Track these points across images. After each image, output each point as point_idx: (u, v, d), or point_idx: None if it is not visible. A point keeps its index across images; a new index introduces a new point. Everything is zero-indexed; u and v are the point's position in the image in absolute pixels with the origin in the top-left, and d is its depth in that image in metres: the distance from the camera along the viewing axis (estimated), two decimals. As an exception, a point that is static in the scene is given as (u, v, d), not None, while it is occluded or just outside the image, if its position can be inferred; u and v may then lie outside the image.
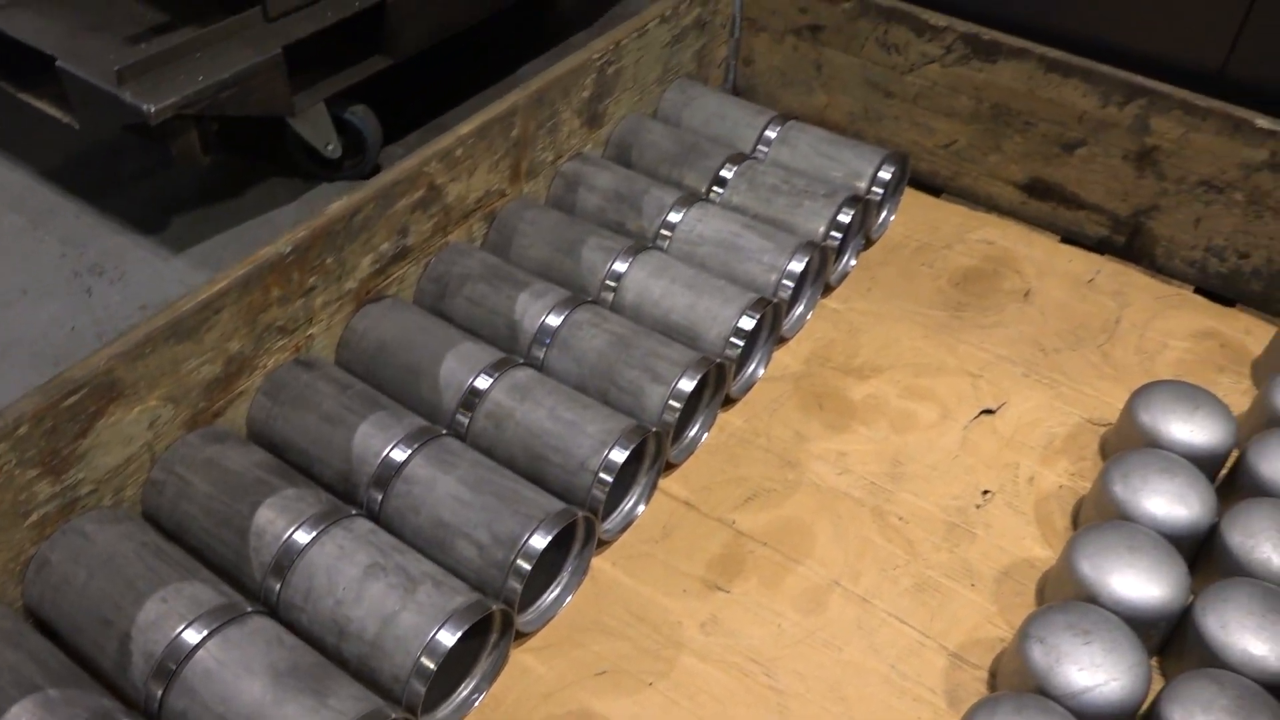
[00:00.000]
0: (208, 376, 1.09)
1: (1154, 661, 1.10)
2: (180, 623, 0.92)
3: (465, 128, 1.31)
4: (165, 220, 1.82)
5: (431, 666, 0.93)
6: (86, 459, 0.99)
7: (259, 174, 1.93)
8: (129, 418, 1.02)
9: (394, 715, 0.88)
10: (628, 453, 1.11)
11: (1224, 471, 1.27)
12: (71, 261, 1.73)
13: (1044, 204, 1.64)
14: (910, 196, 1.70)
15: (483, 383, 1.18)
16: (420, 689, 0.93)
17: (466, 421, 1.17)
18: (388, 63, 1.90)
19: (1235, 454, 1.26)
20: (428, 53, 1.99)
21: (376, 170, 1.97)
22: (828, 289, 1.52)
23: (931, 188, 1.73)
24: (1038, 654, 1.00)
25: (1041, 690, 0.99)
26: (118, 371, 0.98)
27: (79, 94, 1.62)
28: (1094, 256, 1.62)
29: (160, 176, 1.93)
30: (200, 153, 1.66)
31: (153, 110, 1.53)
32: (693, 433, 1.28)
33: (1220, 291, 1.56)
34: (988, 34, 1.57)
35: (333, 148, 1.87)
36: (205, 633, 0.91)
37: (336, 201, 1.18)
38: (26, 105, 1.72)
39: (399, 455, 1.09)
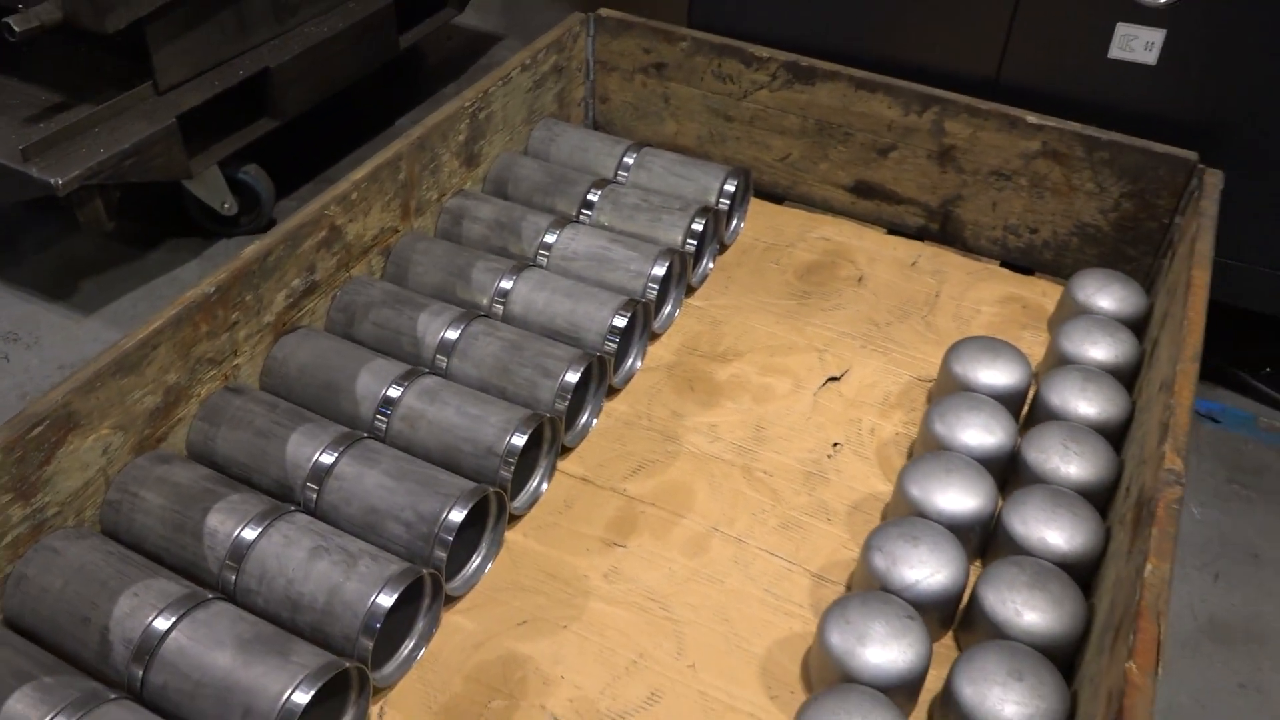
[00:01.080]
0: (150, 406, 1.23)
1: (978, 563, 1.34)
2: (152, 612, 1.06)
3: (358, 173, 1.49)
4: (73, 286, 1.93)
5: (376, 625, 1.09)
6: (51, 484, 1.13)
7: (160, 235, 2.06)
8: (85, 445, 1.16)
9: (347, 664, 1.05)
10: (526, 437, 1.30)
11: (1026, 408, 1.53)
12: (-14, 331, 1.83)
13: (869, 202, 1.90)
14: (756, 205, 1.94)
15: (395, 391, 1.35)
16: (368, 644, 1.09)
17: (384, 426, 1.34)
18: (274, 124, 2.06)
19: (1033, 391, 1.52)
20: (311, 112, 2.16)
21: (272, 224, 2.12)
22: (691, 289, 1.74)
23: (773, 196, 1.98)
24: (877, 559, 1.22)
25: (883, 587, 1.21)
26: (74, 404, 1.13)
27: (-16, 173, 1.74)
28: (915, 243, 1.88)
29: (62, 245, 2.04)
30: (106, 219, 1.79)
31: (60, 183, 1.66)
32: (583, 420, 1.47)
33: (1020, 263, 1.84)
34: (805, 61, 1.83)
35: (229, 206, 2.02)
36: (175, 618, 1.06)
37: (250, 245, 1.34)
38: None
39: (328, 458, 1.25)
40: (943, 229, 1.87)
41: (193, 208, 2.04)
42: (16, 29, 1.60)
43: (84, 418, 1.14)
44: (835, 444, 1.49)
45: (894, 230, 1.91)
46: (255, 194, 2.06)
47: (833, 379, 1.59)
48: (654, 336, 1.64)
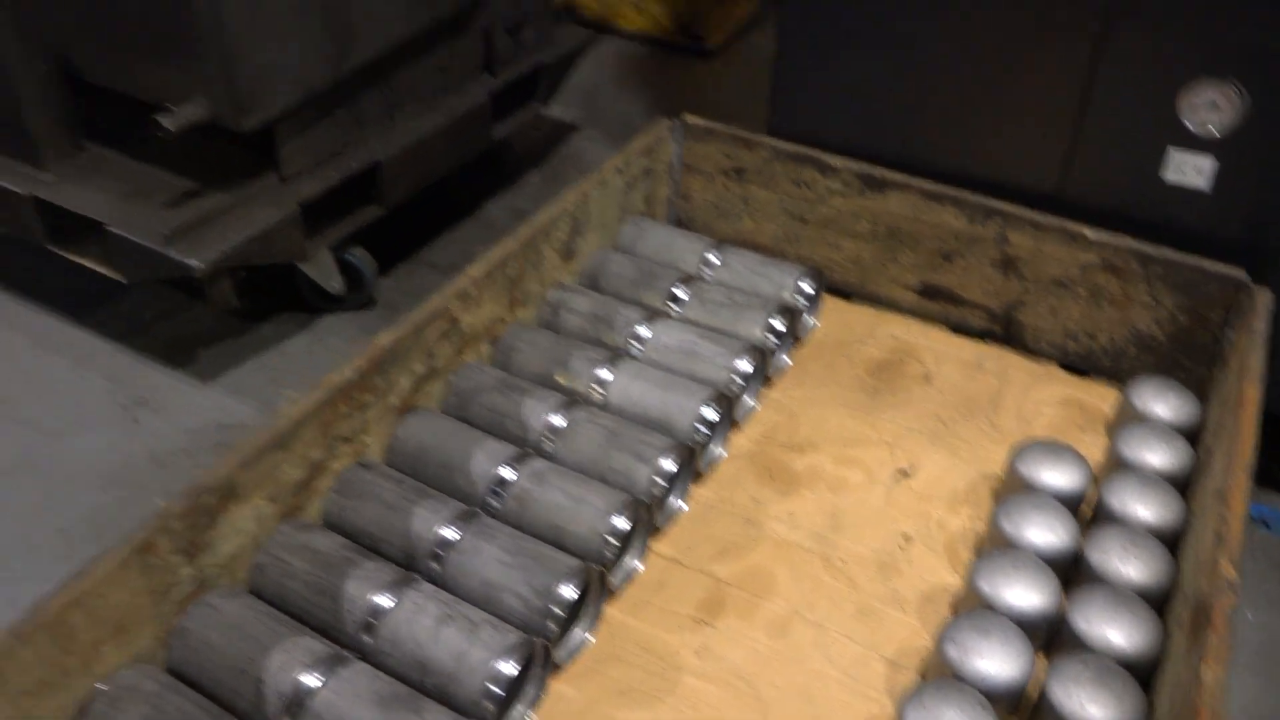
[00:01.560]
0: (295, 478, 1.37)
1: (1042, 654, 1.43)
2: (301, 668, 1.18)
3: (475, 271, 1.64)
4: (193, 355, 2.09)
5: (499, 691, 1.21)
6: (213, 547, 1.26)
7: (271, 309, 2.22)
8: (242, 513, 1.29)
9: (474, 726, 1.16)
10: (629, 521, 1.42)
11: (1085, 507, 1.63)
12: (117, 396, 1.99)
13: (935, 304, 2.03)
14: (829, 302, 2.07)
15: (508, 473, 1.48)
16: (492, 708, 1.20)
17: (498, 504, 1.47)
18: (381, 211, 2.23)
19: (1094, 492, 1.62)
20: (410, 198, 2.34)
21: (373, 302, 2.28)
22: (769, 381, 1.86)
23: (844, 294, 2.10)
24: (951, 650, 1.32)
25: (956, 676, 1.30)
26: (236, 477, 1.27)
27: (128, 254, 1.91)
28: (979, 344, 1.99)
29: (180, 318, 2.21)
30: (233, 298, 1.96)
31: (200, 265, 1.82)
32: (673, 503, 1.59)
33: (1079, 366, 1.95)
34: (877, 172, 1.97)
35: (337, 285, 2.18)
36: (321, 674, 1.18)
37: (383, 334, 1.49)
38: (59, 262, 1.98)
39: (450, 534, 1.38)
40: (1005, 331, 1.98)
41: (304, 286, 2.21)
42: (172, 129, 1.78)
43: (243, 488, 1.28)
44: (907, 536, 1.59)
45: (958, 331, 2.02)
46: (361, 274, 2.22)
47: (903, 473, 1.70)
48: (735, 425, 1.76)
